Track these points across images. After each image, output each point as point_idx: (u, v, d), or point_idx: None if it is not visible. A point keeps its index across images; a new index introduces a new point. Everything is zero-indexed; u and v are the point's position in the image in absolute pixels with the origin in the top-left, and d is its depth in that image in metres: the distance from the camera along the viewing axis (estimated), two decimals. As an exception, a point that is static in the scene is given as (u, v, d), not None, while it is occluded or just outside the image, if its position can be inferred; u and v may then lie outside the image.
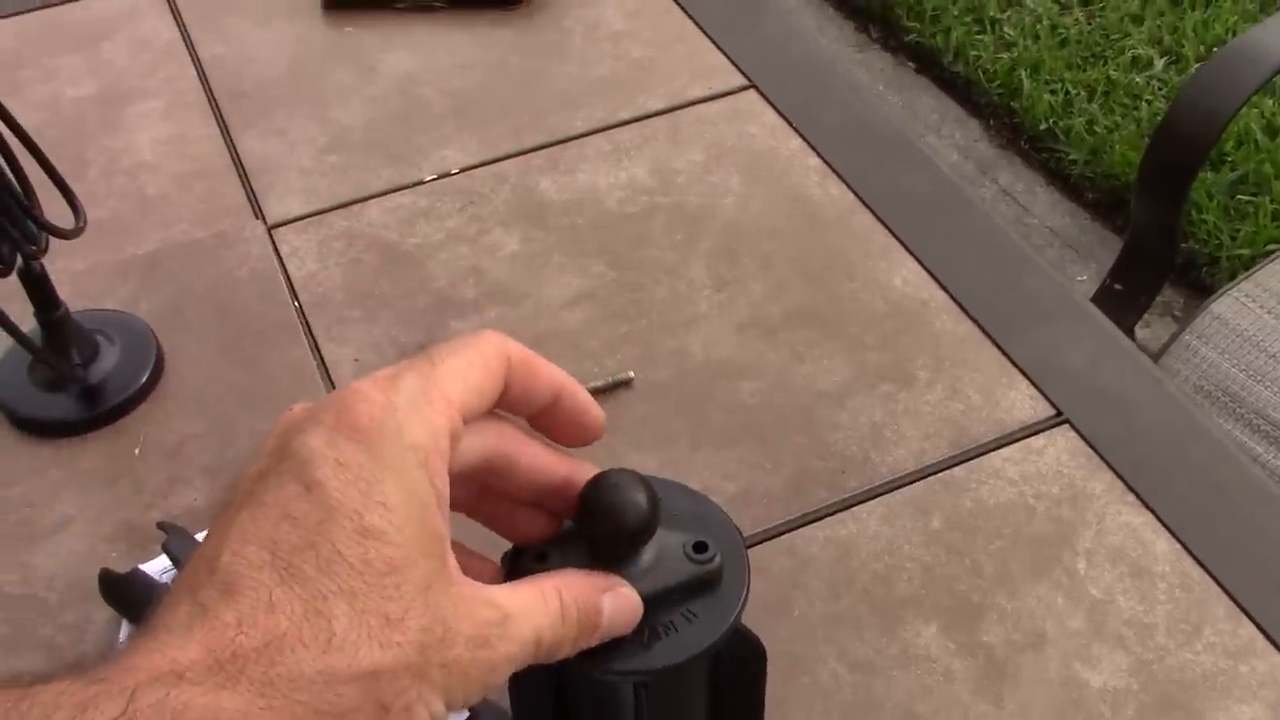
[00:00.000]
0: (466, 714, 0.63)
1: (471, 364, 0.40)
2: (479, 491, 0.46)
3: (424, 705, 0.35)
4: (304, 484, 0.35)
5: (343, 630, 0.34)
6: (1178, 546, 0.72)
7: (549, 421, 0.46)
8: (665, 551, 0.50)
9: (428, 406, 0.38)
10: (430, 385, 0.39)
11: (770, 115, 1.01)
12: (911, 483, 0.75)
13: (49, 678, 0.33)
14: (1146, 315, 1.48)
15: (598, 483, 0.48)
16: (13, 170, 0.71)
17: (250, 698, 0.32)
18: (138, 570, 0.68)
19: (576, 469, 0.47)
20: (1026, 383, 0.80)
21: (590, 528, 0.48)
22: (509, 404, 0.43)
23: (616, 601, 0.44)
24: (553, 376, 0.44)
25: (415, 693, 0.35)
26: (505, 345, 0.42)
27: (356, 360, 0.83)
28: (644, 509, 0.47)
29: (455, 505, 0.40)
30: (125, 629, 0.67)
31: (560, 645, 0.41)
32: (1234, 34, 2.44)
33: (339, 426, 0.37)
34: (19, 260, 0.73)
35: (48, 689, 0.32)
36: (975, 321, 0.84)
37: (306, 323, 0.85)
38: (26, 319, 0.77)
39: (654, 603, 0.49)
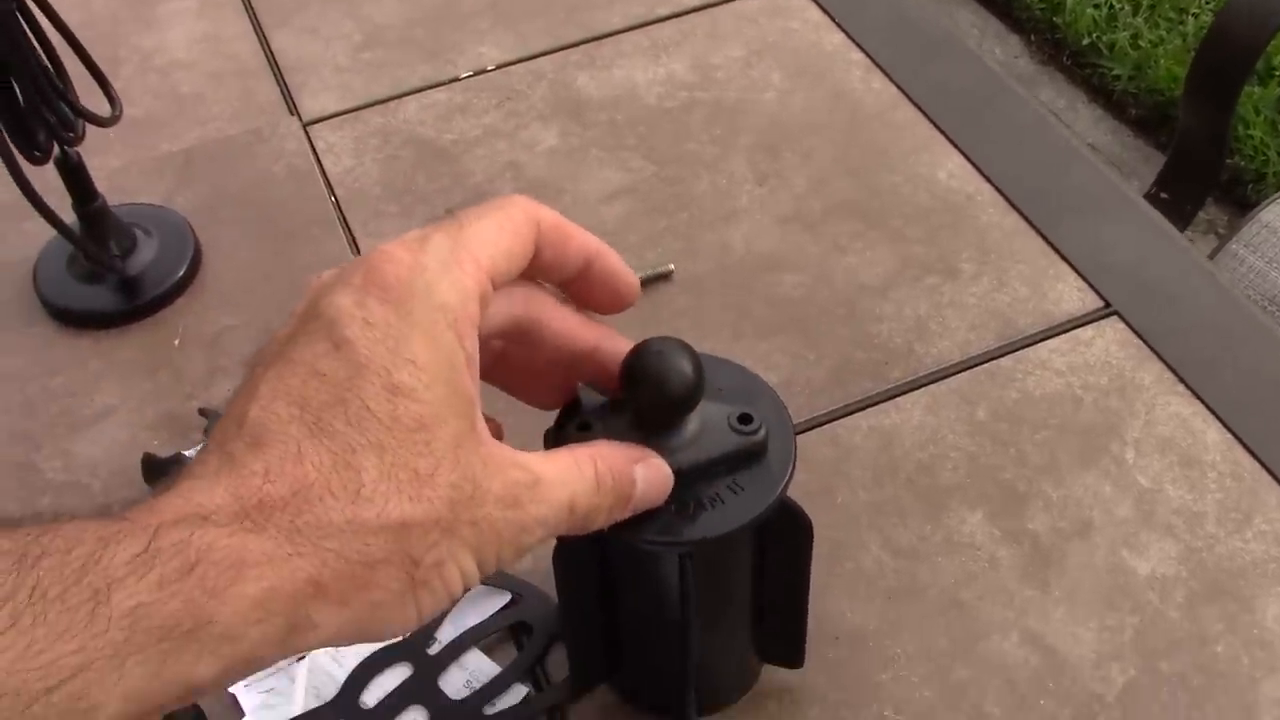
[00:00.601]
0: (509, 597, 0.63)
1: (501, 227, 0.40)
2: (499, 356, 0.46)
3: (454, 563, 0.35)
4: (333, 342, 0.35)
5: (371, 482, 0.33)
6: (1228, 436, 0.70)
7: (581, 287, 0.45)
8: (710, 423, 0.49)
9: (456, 268, 0.37)
10: (458, 247, 0.38)
11: (812, 10, 0.98)
12: (956, 374, 0.74)
13: (72, 515, 0.32)
14: (1190, 232, 1.46)
15: (642, 350, 0.47)
16: (49, 58, 0.70)
17: (278, 542, 0.32)
18: (180, 455, 0.68)
19: (605, 337, 0.46)
20: (1074, 275, 0.79)
21: (634, 395, 0.47)
22: (541, 269, 0.42)
23: (649, 473, 0.43)
24: (585, 242, 0.43)
25: (446, 549, 0.35)
26: (535, 210, 0.41)
27: (394, 254, 0.82)
28: (689, 376, 0.46)
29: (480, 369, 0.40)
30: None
31: (595, 514, 0.41)
32: (1285, -56, 2.38)
33: (367, 286, 0.36)
34: (55, 149, 0.73)
35: (71, 524, 0.32)
36: (1022, 214, 0.83)
37: (343, 217, 0.85)
38: (65, 213, 0.76)
39: (698, 474, 0.49)
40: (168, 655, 0.31)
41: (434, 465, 0.34)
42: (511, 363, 0.46)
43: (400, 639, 0.59)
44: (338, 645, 0.36)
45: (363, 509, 0.33)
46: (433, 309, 0.36)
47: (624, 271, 0.45)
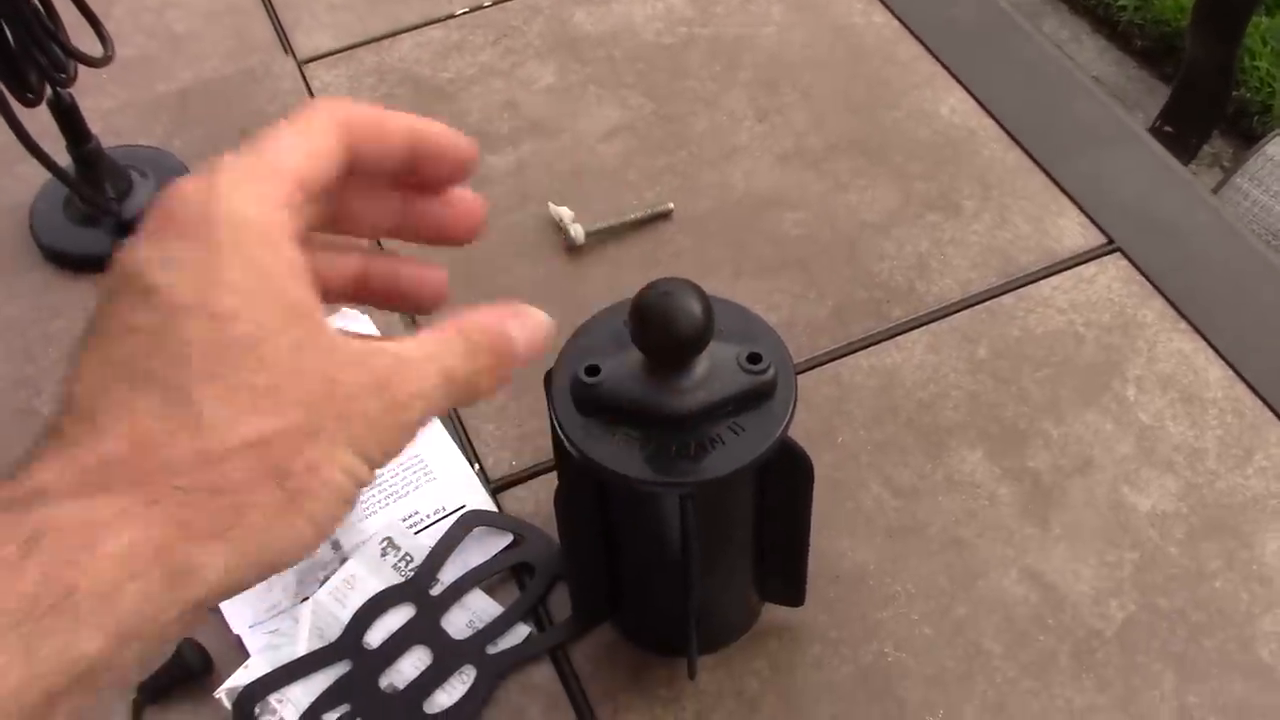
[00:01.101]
0: (511, 538, 0.63)
1: (300, 133, 0.38)
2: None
3: (332, 461, 0.34)
4: (139, 294, 0.33)
5: (211, 412, 0.32)
6: (1230, 373, 0.70)
7: (419, 170, 0.41)
8: (719, 362, 0.49)
9: (254, 183, 0.36)
10: (254, 162, 0.36)
11: (812, -58, 0.97)
12: (958, 311, 0.74)
13: None
14: (1194, 165, 1.45)
15: (650, 291, 0.47)
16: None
17: (130, 496, 0.31)
18: None
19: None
20: (1077, 211, 0.78)
21: (644, 335, 0.47)
22: (365, 164, 0.39)
23: (525, 323, 0.40)
24: (403, 122, 0.40)
25: (317, 451, 0.33)
26: (341, 107, 0.39)
27: (392, 195, 0.81)
28: (698, 317, 0.46)
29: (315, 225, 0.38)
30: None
31: (477, 380, 0.38)
32: None
33: (162, 229, 0.34)
34: (48, 90, 0.72)
35: None
36: (1024, 149, 0.82)
37: (340, 158, 0.84)
38: (59, 155, 0.75)
39: (704, 415, 0.49)
40: (35, 636, 0.29)
41: (276, 377, 0.33)
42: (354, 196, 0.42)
43: (404, 580, 0.60)
44: (246, 584, 0.34)
45: (207, 439, 0.32)
46: (236, 229, 0.34)
47: (452, 135, 0.41)
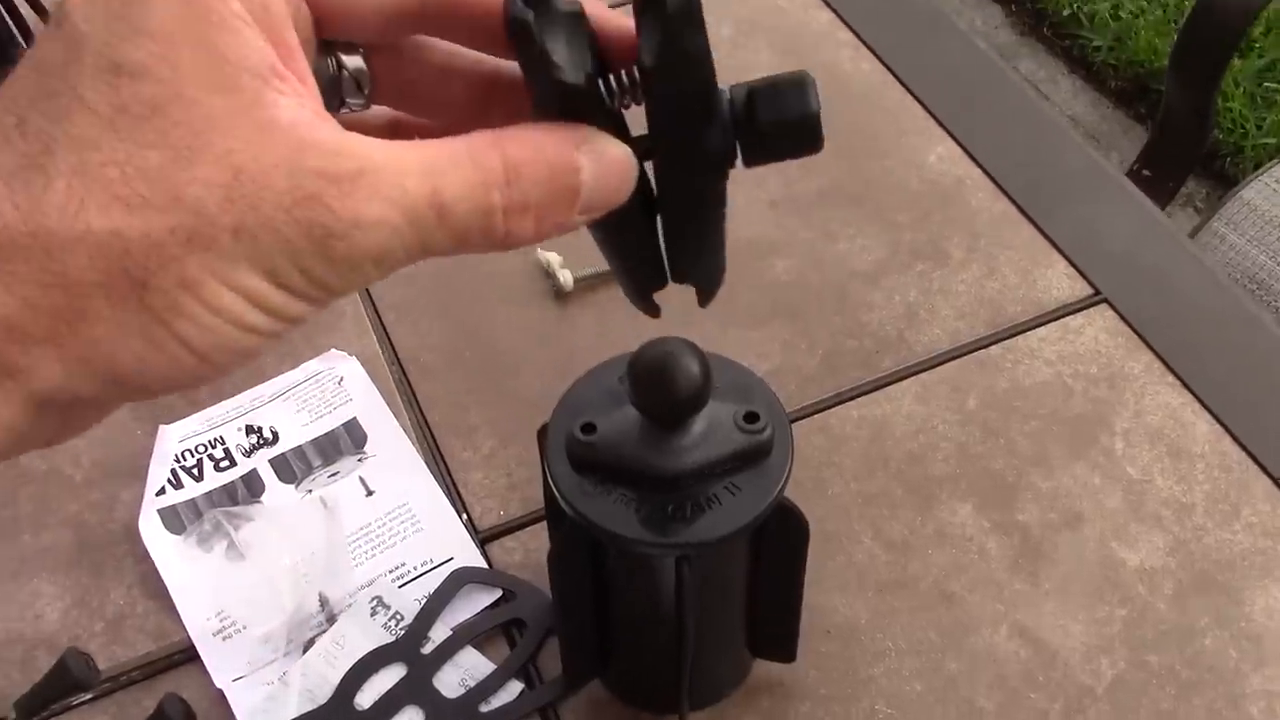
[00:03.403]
0: (501, 593, 0.62)
1: None
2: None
3: (218, 280, 0.27)
4: (56, 21, 0.28)
5: (65, 186, 0.26)
6: (1217, 427, 0.70)
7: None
8: (715, 421, 0.49)
9: None
10: None
11: (800, -12, 0.97)
12: (946, 362, 0.74)
13: None
14: (1168, 207, 1.46)
15: (649, 350, 0.47)
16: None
17: None
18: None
19: None
20: (1064, 261, 0.79)
21: (641, 395, 0.47)
22: None
23: (600, 158, 0.31)
24: None
25: (197, 264, 0.27)
26: None
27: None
28: (697, 378, 0.46)
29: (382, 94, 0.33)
30: (147, 502, 0.66)
31: (500, 217, 0.30)
32: (1265, -85, 2.37)
33: None
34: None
35: None
36: (1011, 199, 0.82)
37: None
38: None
39: (701, 475, 0.49)
40: None
41: (171, 158, 0.26)
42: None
43: (394, 639, 0.59)
44: (108, 400, 0.29)
45: (51, 219, 0.26)
46: None
47: None
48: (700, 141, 0.33)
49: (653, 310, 0.38)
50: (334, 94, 0.34)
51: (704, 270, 0.37)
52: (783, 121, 0.35)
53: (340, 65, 0.34)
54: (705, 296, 0.39)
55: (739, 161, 0.35)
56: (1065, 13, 2.33)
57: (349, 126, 0.29)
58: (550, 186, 0.30)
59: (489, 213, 0.29)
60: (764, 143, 0.34)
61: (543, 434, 0.53)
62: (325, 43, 0.33)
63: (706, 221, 0.35)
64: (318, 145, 0.27)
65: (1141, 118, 2.21)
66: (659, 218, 0.35)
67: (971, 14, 2.43)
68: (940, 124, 0.87)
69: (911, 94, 0.89)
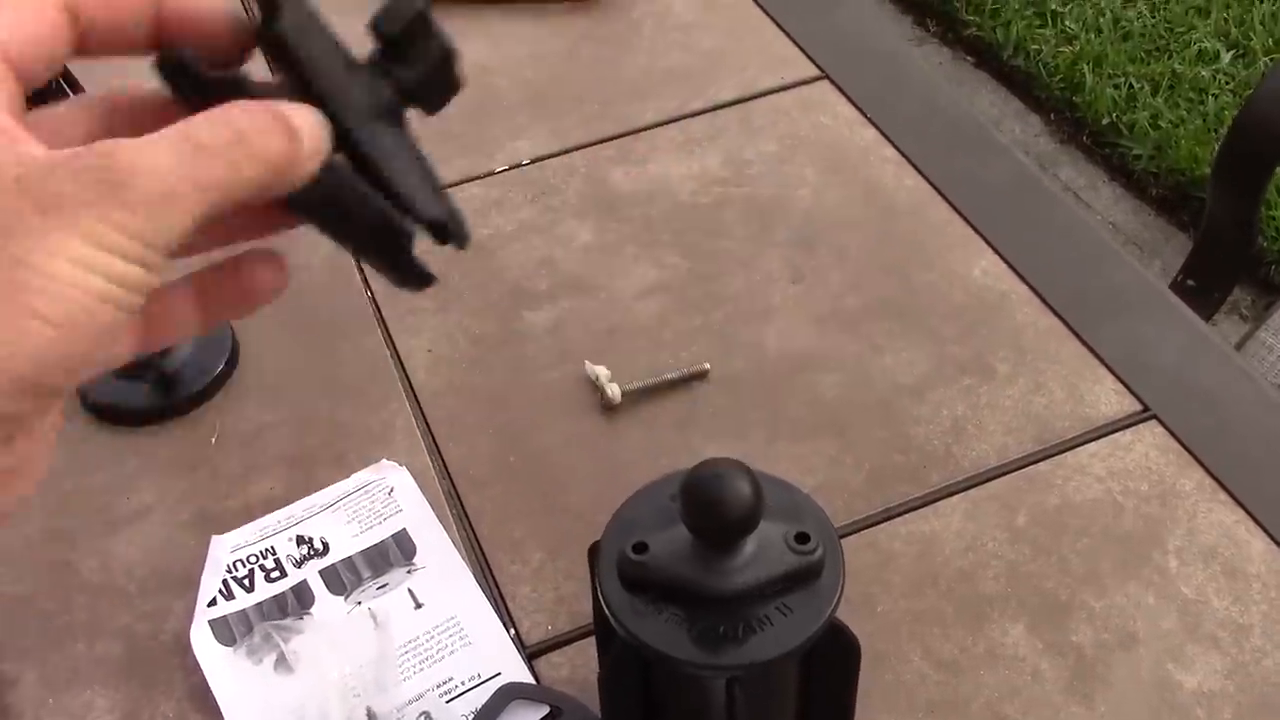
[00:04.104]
0: (549, 709, 0.62)
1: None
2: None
3: (50, 254, 0.30)
4: None
5: None
6: (1273, 546, 0.70)
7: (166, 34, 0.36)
8: (766, 542, 0.49)
9: None
10: None
11: (844, 106, 0.99)
12: (995, 478, 0.74)
13: None
14: (1214, 315, 1.46)
15: (700, 472, 0.47)
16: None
17: None
18: None
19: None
20: (1112, 377, 0.79)
21: (694, 517, 0.47)
22: (101, 34, 0.35)
23: (301, 118, 0.34)
24: None
25: (18, 246, 0.30)
26: None
27: (430, 351, 0.82)
28: (749, 499, 0.46)
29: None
30: (199, 613, 0.67)
31: (239, 164, 0.33)
32: (1303, 27, 2.40)
33: None
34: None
35: None
36: (1057, 314, 0.83)
37: (380, 312, 0.85)
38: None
39: (753, 596, 0.49)
40: None
41: None
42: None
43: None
44: (20, 414, 0.31)
45: None
46: None
47: None
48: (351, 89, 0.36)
49: (424, 281, 0.39)
50: None
51: (429, 207, 0.38)
52: (397, 30, 0.37)
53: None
54: (451, 236, 0.39)
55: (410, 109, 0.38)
56: (1104, 121, 2.35)
57: None
58: (257, 145, 0.33)
59: (241, 137, 0.33)
60: (399, 59, 0.38)
61: (594, 552, 0.53)
62: None
63: (404, 159, 0.38)
64: (77, 151, 0.31)
65: (1184, 225, 2.21)
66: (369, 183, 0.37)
67: (1011, 123, 2.46)
68: (984, 238, 0.88)
69: (955, 209, 0.90)
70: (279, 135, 0.33)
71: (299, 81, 0.35)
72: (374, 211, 0.37)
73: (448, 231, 0.39)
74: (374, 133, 0.37)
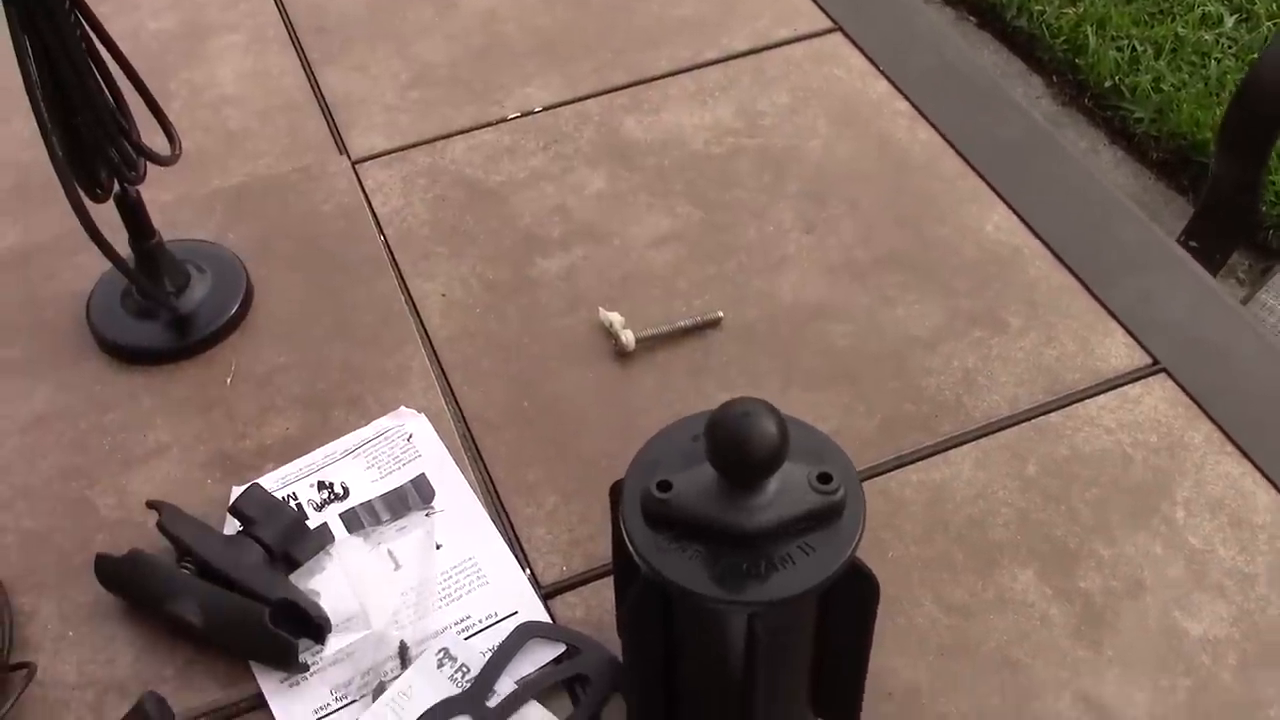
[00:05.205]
0: (565, 648, 0.63)
1: None
2: None
3: None
4: None
5: None
6: (1279, 497, 0.70)
7: None
8: (790, 481, 0.50)
9: None
10: None
11: (857, 58, 0.99)
12: (1006, 428, 0.74)
13: None
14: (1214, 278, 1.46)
15: (727, 411, 0.48)
16: (113, 95, 0.71)
17: None
18: (136, 550, 0.66)
19: None
20: (1122, 331, 0.79)
21: (720, 455, 0.48)
22: None
23: None
24: None
25: None
26: None
27: (444, 295, 0.83)
28: (775, 439, 0.47)
29: None
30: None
31: None
32: (1307, -8, 2.39)
33: None
34: (116, 186, 0.73)
35: None
36: (1069, 268, 0.83)
37: (393, 257, 0.85)
38: (119, 247, 0.77)
39: (775, 533, 0.49)
40: None
41: None
42: None
43: (461, 691, 0.60)
44: None
45: None
46: None
47: None
48: None
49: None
50: None
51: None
52: (251, 511, 0.67)
53: None
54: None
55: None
56: (1107, 84, 2.34)
57: None
58: None
59: None
60: (257, 527, 0.66)
61: (615, 491, 0.54)
62: None
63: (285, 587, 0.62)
64: None
65: (1184, 189, 2.21)
66: None
67: (1014, 85, 2.45)
68: (997, 193, 0.88)
69: (968, 163, 0.91)
70: None
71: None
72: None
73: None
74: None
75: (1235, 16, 2.39)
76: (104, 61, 0.70)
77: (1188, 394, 0.76)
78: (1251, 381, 0.77)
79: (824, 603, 0.54)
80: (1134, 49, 2.38)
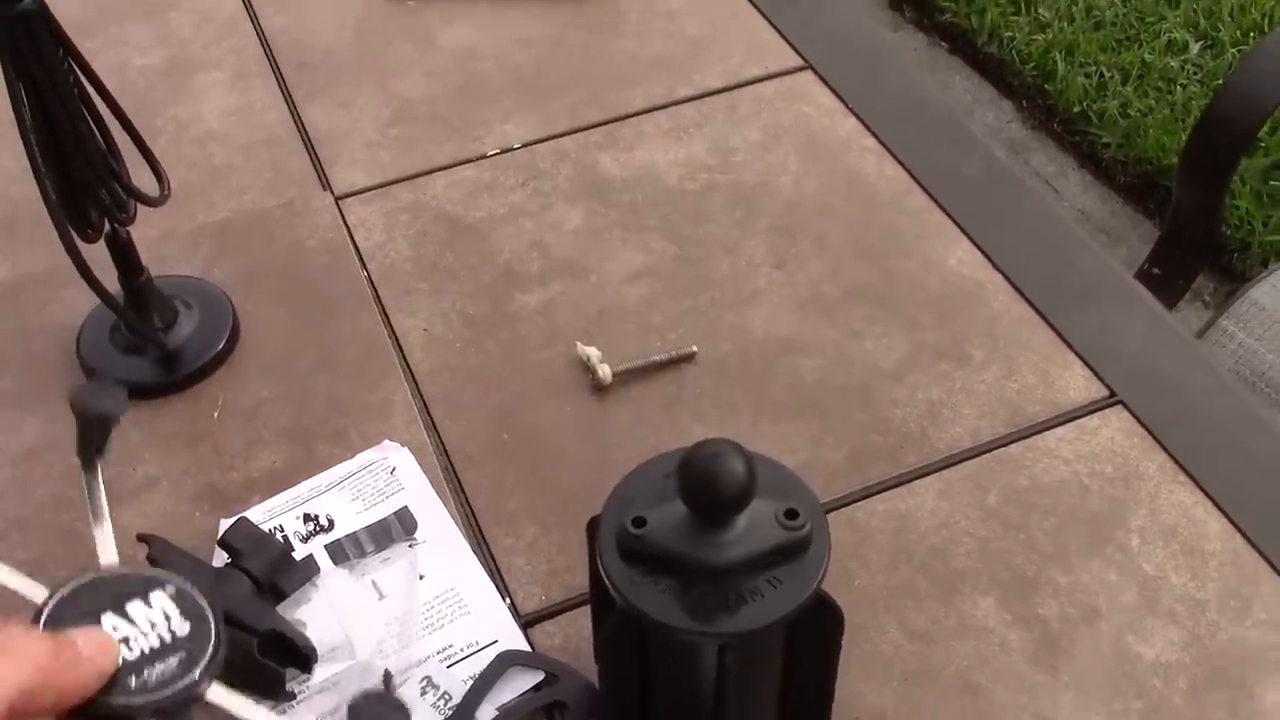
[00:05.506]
0: (544, 675, 0.65)
1: None
2: None
3: None
4: None
5: None
6: (1229, 526, 0.73)
7: None
8: (758, 518, 0.52)
9: None
10: None
11: (826, 96, 1.02)
12: (968, 459, 0.77)
13: None
14: (1178, 302, 1.50)
15: (698, 452, 0.50)
16: (103, 137, 0.73)
17: None
18: None
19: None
20: (1081, 364, 0.82)
21: (691, 493, 0.50)
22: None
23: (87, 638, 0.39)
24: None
25: None
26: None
27: (425, 330, 0.85)
28: (743, 477, 0.49)
29: None
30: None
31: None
32: (1270, 19, 2.44)
33: None
34: (106, 226, 0.75)
35: None
36: (1030, 302, 0.86)
37: (376, 292, 0.88)
38: (109, 284, 0.79)
39: (744, 567, 0.52)
40: None
41: None
42: None
43: (443, 718, 0.62)
44: None
45: None
46: None
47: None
48: None
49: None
50: None
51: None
52: (238, 544, 0.65)
53: None
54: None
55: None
56: (1075, 109, 2.38)
57: None
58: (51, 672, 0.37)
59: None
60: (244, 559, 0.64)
61: (592, 526, 0.56)
62: None
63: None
64: None
65: (1150, 213, 2.25)
66: None
67: (984, 110, 2.49)
68: (961, 228, 0.91)
69: (933, 199, 0.94)
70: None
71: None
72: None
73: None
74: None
75: (1200, 43, 2.44)
76: (94, 104, 0.72)
77: (1143, 425, 0.79)
78: (1204, 413, 0.80)
79: (791, 633, 0.56)
80: (1102, 75, 2.42)
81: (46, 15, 0.66)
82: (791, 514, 0.53)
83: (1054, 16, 2.53)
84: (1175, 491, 0.75)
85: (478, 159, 0.98)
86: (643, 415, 0.80)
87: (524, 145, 0.99)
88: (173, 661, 0.41)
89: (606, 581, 0.53)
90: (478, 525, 0.74)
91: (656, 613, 0.52)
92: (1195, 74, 2.39)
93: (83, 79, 0.71)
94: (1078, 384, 0.81)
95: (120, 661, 0.40)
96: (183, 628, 0.42)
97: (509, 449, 0.78)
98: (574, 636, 0.69)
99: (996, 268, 0.89)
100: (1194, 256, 1.46)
